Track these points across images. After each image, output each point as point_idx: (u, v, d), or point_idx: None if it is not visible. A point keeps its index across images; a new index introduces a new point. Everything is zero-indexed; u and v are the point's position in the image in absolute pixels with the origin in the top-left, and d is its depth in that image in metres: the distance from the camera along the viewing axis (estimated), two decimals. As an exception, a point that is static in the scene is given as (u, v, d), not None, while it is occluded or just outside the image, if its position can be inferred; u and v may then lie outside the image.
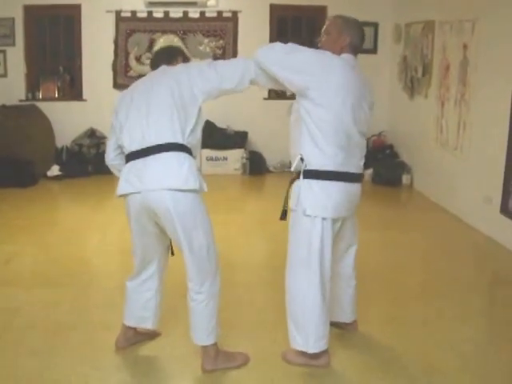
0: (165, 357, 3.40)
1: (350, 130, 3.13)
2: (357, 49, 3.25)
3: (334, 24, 3.26)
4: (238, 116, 8.30)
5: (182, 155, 3.02)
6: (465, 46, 6.08)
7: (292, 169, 3.20)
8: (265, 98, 8.43)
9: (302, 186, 3.13)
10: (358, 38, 3.24)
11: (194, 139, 3.12)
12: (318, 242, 3.14)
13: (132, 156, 3.09)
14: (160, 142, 3.02)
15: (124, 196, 3.11)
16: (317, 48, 3.28)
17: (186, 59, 3.38)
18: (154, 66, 3.32)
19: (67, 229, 5.88)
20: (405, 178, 7.60)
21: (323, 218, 3.13)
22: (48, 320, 3.82)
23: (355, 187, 3.27)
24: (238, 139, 8.29)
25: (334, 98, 3.06)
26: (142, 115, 3.07)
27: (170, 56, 3.35)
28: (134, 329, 3.46)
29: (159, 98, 3.08)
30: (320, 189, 3.12)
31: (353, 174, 3.22)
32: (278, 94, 8.35)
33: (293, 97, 3.29)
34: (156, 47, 7.93)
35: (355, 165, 3.23)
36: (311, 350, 3.21)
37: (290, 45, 3.21)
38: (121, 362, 3.34)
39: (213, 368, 3.20)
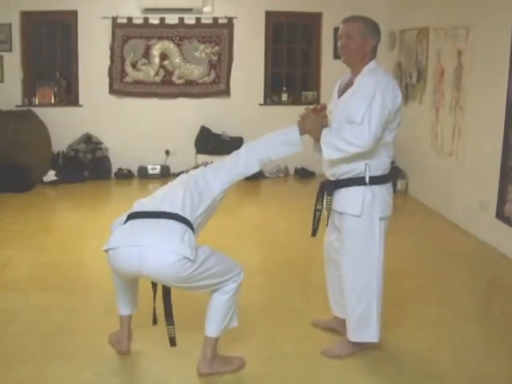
0: (162, 361, 3.41)
1: None
2: (376, 48, 3.34)
3: (357, 28, 3.23)
4: (233, 121, 8.31)
5: (186, 227, 2.99)
6: (459, 52, 6.12)
7: (350, 175, 3.29)
8: (260, 104, 8.43)
9: (370, 191, 3.28)
10: (378, 38, 3.33)
11: (197, 224, 3.11)
12: (383, 239, 3.35)
13: (132, 216, 3.08)
14: (166, 210, 3.02)
15: (113, 249, 3.02)
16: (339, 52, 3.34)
17: None
18: None
19: (64, 233, 5.88)
20: (400, 184, 7.60)
21: (386, 218, 3.35)
22: (45, 325, 3.83)
23: None
24: (233, 145, 8.27)
25: (399, 112, 3.31)
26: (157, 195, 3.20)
27: None
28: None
29: (173, 185, 3.23)
30: (386, 191, 3.36)
31: None
32: (274, 100, 8.42)
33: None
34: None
35: None
36: (378, 339, 3.42)
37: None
38: (119, 367, 3.35)
39: (209, 371, 3.22)
